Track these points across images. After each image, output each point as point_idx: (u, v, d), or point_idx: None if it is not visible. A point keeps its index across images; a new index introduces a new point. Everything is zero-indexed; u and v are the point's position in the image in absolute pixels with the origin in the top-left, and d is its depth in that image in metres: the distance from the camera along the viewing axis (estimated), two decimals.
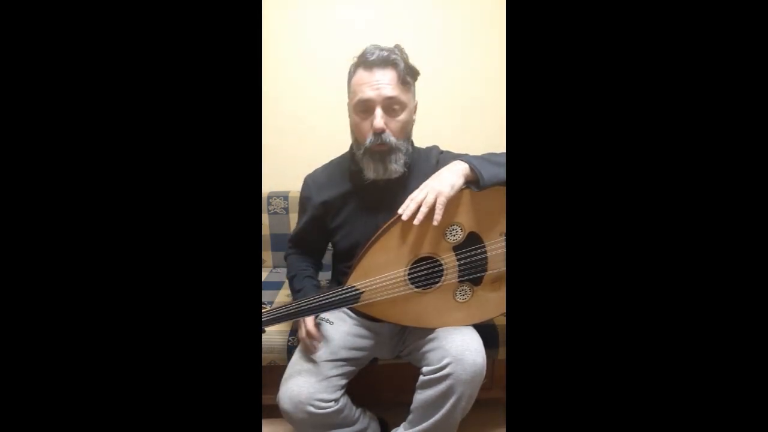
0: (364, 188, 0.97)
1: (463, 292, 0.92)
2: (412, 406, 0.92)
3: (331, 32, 1.52)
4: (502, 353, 1.11)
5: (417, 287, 0.89)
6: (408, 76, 0.89)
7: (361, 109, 0.88)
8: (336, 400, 0.90)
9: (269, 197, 1.53)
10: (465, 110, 1.59)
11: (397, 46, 0.91)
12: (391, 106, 0.87)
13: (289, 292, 1.37)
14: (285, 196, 1.52)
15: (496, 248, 0.90)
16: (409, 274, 0.88)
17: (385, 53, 0.87)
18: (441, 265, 0.89)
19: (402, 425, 0.96)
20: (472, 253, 0.89)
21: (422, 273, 0.89)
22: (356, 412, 0.99)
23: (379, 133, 0.87)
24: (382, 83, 0.86)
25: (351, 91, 0.91)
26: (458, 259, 0.89)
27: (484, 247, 0.89)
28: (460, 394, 0.84)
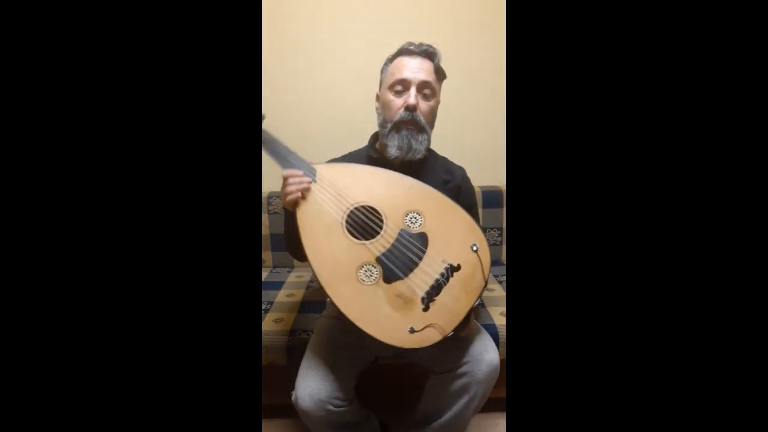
0: None
1: (368, 272, 0.82)
2: (421, 405, 0.93)
3: (331, 33, 1.52)
4: (502, 353, 1.11)
5: (347, 226, 0.83)
6: (440, 73, 0.98)
7: (397, 87, 0.94)
8: (351, 399, 0.91)
9: (269, 197, 1.53)
10: (465, 110, 1.59)
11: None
12: (423, 90, 0.94)
13: (289, 292, 1.37)
14: None
15: (430, 266, 0.82)
16: (350, 211, 0.84)
17: (425, 46, 0.95)
18: (381, 227, 0.84)
19: (407, 424, 0.97)
20: (410, 246, 0.83)
21: (360, 220, 0.84)
22: (363, 411, 1.00)
23: (410, 110, 0.92)
24: (421, 68, 0.93)
25: (388, 74, 0.98)
26: (396, 240, 0.83)
27: (424, 252, 0.83)
28: (474, 393, 0.86)
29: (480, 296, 0.85)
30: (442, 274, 0.81)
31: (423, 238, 0.84)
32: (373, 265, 0.82)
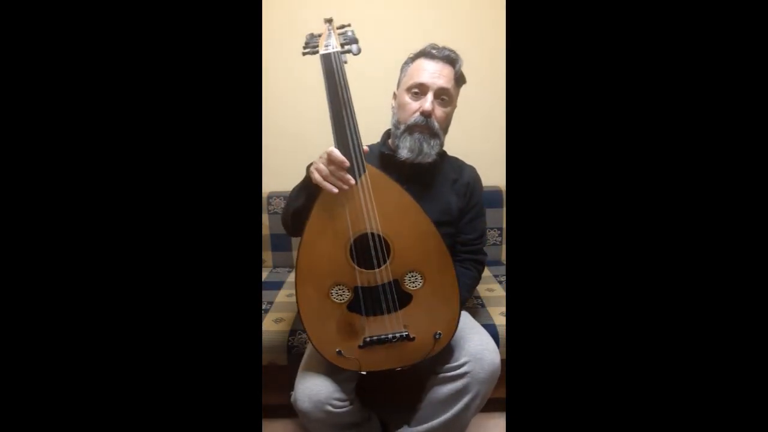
0: (391, 172, 0.97)
1: (340, 293, 0.82)
2: (422, 404, 0.93)
3: None
4: (502, 353, 1.11)
5: (352, 243, 0.80)
6: (460, 78, 0.97)
7: (415, 91, 0.94)
8: (351, 400, 0.91)
9: (269, 197, 1.53)
10: (465, 110, 1.58)
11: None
12: (441, 96, 0.93)
13: (289, 291, 1.37)
14: (285, 196, 1.52)
15: (391, 324, 0.84)
16: (365, 233, 0.80)
17: (447, 52, 0.94)
18: (379, 264, 0.81)
19: (406, 424, 0.96)
20: (389, 299, 0.82)
21: (367, 246, 0.80)
22: (364, 411, 1.00)
23: (426, 116, 0.92)
24: (441, 74, 0.93)
25: (406, 75, 0.97)
26: (383, 285, 0.82)
27: (396, 311, 0.83)
28: (476, 392, 0.86)
29: (407, 367, 0.88)
30: (395, 336, 0.84)
31: (406, 299, 0.84)
32: (348, 290, 0.82)
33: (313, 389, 0.87)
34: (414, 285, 0.83)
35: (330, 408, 0.86)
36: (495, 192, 1.55)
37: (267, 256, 1.59)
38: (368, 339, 0.84)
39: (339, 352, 0.84)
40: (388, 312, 0.83)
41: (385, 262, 0.81)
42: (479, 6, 1.51)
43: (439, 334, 0.85)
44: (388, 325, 0.84)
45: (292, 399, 0.89)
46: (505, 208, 1.55)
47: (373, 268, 0.81)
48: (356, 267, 0.81)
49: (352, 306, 0.83)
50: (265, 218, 1.53)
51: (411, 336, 0.85)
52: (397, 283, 0.83)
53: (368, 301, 0.83)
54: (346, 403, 0.89)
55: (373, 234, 0.80)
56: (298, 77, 1.54)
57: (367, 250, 0.81)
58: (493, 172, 1.60)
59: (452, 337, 0.88)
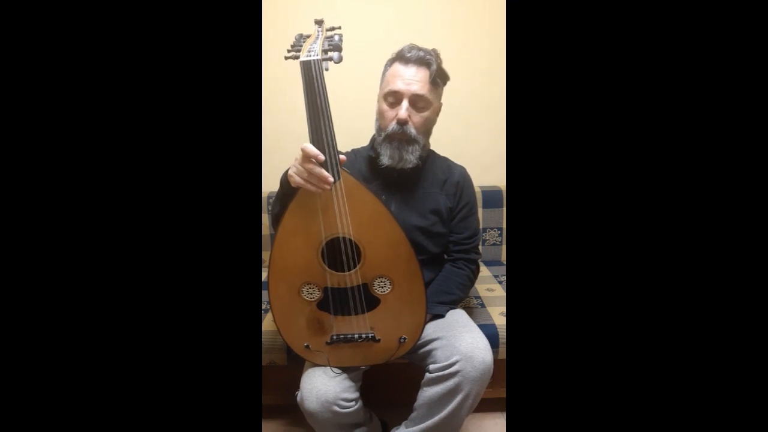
0: (379, 175, 1.00)
1: (310, 292, 0.85)
2: (416, 404, 0.93)
3: None
4: (502, 353, 1.11)
5: (324, 246, 0.81)
6: (438, 78, 0.95)
7: (391, 98, 0.94)
8: (356, 400, 0.91)
9: (269, 197, 1.53)
10: (466, 111, 1.59)
11: (433, 50, 0.96)
12: (417, 102, 0.93)
13: None
14: None
15: (358, 324, 0.87)
16: (337, 237, 0.81)
17: (422, 53, 0.93)
18: (350, 268, 0.83)
19: (403, 423, 0.96)
20: (357, 302, 0.85)
21: (339, 249, 0.82)
22: (366, 411, 1.00)
23: (401, 124, 0.93)
24: (414, 80, 0.92)
25: (384, 81, 0.98)
26: (352, 288, 0.84)
27: (363, 313, 0.86)
28: (468, 391, 0.86)
29: (369, 367, 0.94)
30: (360, 336, 0.88)
31: (374, 303, 0.87)
32: (318, 289, 0.85)
33: (321, 389, 0.87)
34: (382, 290, 0.86)
35: (337, 408, 0.87)
36: (495, 192, 1.55)
37: (267, 256, 1.59)
38: (335, 337, 0.88)
39: (307, 346, 0.88)
40: (356, 313, 0.87)
41: (355, 266, 0.83)
42: (479, 5, 1.51)
43: (404, 338, 0.89)
44: (355, 325, 0.88)
45: (298, 399, 0.89)
46: (505, 208, 1.55)
47: (344, 271, 0.83)
48: (327, 269, 0.83)
49: (322, 305, 0.86)
50: (265, 218, 1.53)
51: (376, 337, 0.89)
52: (366, 287, 0.85)
53: (337, 302, 0.86)
54: (353, 403, 0.90)
55: (345, 238, 0.81)
56: (298, 77, 1.54)
57: (338, 253, 0.83)
58: (493, 172, 1.60)
59: (416, 341, 0.91)
